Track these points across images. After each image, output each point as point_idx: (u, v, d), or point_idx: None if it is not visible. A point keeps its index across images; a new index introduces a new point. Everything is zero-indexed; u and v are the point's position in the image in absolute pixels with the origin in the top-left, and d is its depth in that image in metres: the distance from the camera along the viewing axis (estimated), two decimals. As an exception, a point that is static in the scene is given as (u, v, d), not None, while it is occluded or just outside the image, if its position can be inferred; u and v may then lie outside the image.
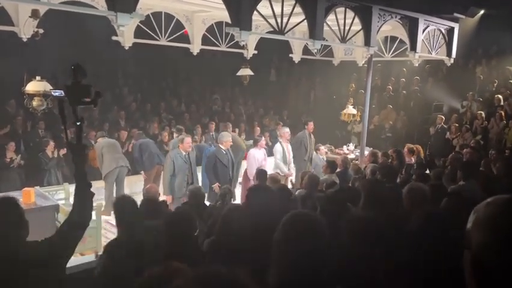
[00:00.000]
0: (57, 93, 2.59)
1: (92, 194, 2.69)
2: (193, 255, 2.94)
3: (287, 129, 9.12)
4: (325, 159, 9.32)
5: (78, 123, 2.40)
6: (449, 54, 10.29)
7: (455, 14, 9.87)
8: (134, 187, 8.99)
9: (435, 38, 9.98)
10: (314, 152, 9.52)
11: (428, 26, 9.34)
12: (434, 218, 2.36)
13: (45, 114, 7.51)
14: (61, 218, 6.44)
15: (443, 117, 12.19)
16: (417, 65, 10.56)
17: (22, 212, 2.52)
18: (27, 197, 6.32)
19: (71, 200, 7.32)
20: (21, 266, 2.31)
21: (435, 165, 6.98)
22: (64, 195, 7.32)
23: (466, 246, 1.05)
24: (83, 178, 2.58)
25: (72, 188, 7.37)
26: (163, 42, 8.84)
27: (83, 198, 2.63)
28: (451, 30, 10.12)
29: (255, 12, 6.38)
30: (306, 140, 9.28)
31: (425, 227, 2.28)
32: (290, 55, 11.71)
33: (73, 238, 2.64)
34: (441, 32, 9.97)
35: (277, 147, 8.80)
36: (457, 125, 11.54)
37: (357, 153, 10.60)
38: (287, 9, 6.83)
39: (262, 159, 8.44)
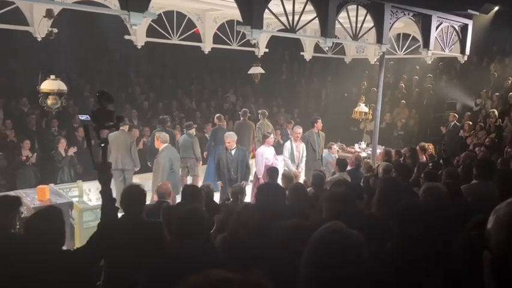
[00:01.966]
0: (84, 117, 3.00)
1: (117, 209, 2.95)
2: (204, 251, 2.95)
3: (298, 129, 8.95)
4: (336, 157, 9.28)
5: (102, 145, 2.59)
6: (462, 51, 10.16)
7: (469, 11, 9.73)
8: (145, 185, 9.03)
9: (448, 35, 9.86)
10: (326, 151, 9.49)
11: (441, 23, 9.23)
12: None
13: (58, 112, 7.62)
14: (75, 215, 6.54)
15: (456, 115, 12.05)
16: (430, 62, 10.45)
17: (63, 223, 2.72)
18: (42, 194, 6.43)
19: (85, 197, 7.43)
20: (57, 274, 2.47)
21: (452, 164, 6.86)
22: (77, 193, 7.40)
23: (485, 246, 1.03)
24: (109, 194, 2.81)
25: (86, 185, 7.54)
26: (174, 41, 8.89)
27: (109, 213, 2.87)
28: (464, 27, 9.99)
29: (266, 10, 6.38)
30: (312, 139, 9.20)
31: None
32: (301, 53, 11.69)
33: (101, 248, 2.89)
34: (454, 29, 9.85)
35: (286, 145, 8.83)
36: (470, 123, 11.41)
37: (369, 152, 10.54)
38: (298, 7, 6.81)
39: (271, 157, 8.36)
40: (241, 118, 10.60)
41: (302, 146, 8.82)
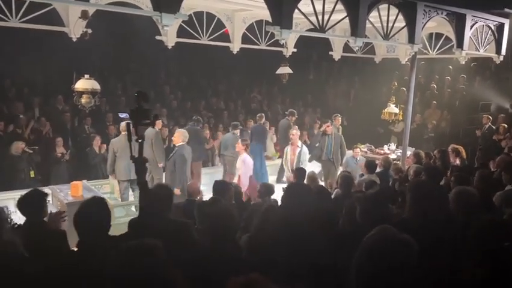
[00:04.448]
0: (124, 115, 3.38)
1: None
2: (231, 250, 2.99)
3: (293, 131, 8.72)
4: (358, 160, 9.13)
5: (140, 141, 2.83)
6: (498, 51, 9.85)
7: (506, 9, 9.42)
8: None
9: (483, 35, 9.58)
10: (351, 152, 9.35)
11: (476, 22, 8.97)
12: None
13: (91, 110, 7.83)
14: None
15: (490, 116, 11.67)
16: (463, 62, 10.17)
17: (109, 211, 2.91)
18: (75, 190, 6.63)
19: (116, 194, 7.59)
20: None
21: (488, 169, 6.61)
22: (109, 189, 7.58)
23: None
24: (145, 185, 3.03)
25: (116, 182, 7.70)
26: (204, 41, 8.99)
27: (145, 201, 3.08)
28: (500, 27, 9.68)
29: (296, 10, 6.36)
30: (323, 139, 9.21)
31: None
32: (330, 53, 11.59)
33: None
34: (490, 28, 9.55)
35: (286, 149, 8.75)
36: (505, 125, 11.03)
37: (399, 154, 10.36)
38: (328, 6, 6.76)
39: (239, 165, 7.73)
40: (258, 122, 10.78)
41: (300, 151, 8.39)
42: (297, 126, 10.01)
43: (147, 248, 1.93)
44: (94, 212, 2.78)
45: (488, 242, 2.44)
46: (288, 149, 8.55)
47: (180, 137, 7.43)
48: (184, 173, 7.32)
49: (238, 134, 9.52)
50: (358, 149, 9.52)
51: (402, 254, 1.53)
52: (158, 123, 8.80)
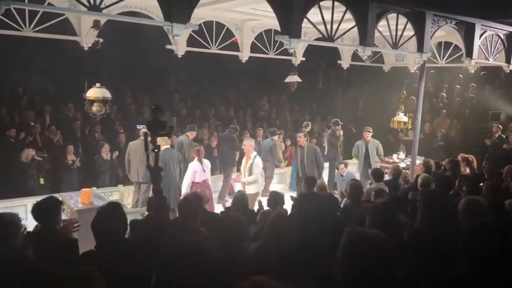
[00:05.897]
0: (141, 127, 3.67)
1: (168, 207, 3.37)
2: (239, 259, 3.00)
3: (245, 141, 8.53)
4: (344, 176, 8.96)
5: (156, 150, 2.98)
6: (508, 60, 9.77)
7: (516, 18, 9.38)
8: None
9: (493, 44, 9.54)
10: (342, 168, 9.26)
11: (485, 31, 8.93)
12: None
13: (101, 118, 7.92)
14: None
15: (500, 125, 11.59)
16: (472, 71, 10.12)
17: (125, 216, 3.01)
18: (86, 197, 6.68)
19: (125, 201, 7.64)
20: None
21: (499, 178, 6.53)
22: (118, 196, 7.63)
23: None
24: (160, 192, 3.15)
25: (125, 189, 7.77)
26: (213, 50, 9.07)
27: (159, 208, 3.23)
28: (510, 36, 9.61)
29: (304, 19, 6.39)
30: (296, 153, 9.20)
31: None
32: (339, 61, 11.62)
33: None
34: (499, 37, 9.51)
35: (243, 160, 8.53)
36: (515, 134, 10.95)
37: (408, 162, 10.30)
38: (337, 15, 6.79)
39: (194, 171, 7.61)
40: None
41: (251, 162, 8.00)
42: (251, 138, 9.74)
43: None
44: (111, 217, 2.85)
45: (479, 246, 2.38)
46: (244, 159, 8.31)
47: (163, 140, 7.38)
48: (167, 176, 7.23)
49: (276, 140, 10.06)
50: (343, 165, 9.27)
51: (374, 250, 1.61)
52: (192, 134, 9.24)
